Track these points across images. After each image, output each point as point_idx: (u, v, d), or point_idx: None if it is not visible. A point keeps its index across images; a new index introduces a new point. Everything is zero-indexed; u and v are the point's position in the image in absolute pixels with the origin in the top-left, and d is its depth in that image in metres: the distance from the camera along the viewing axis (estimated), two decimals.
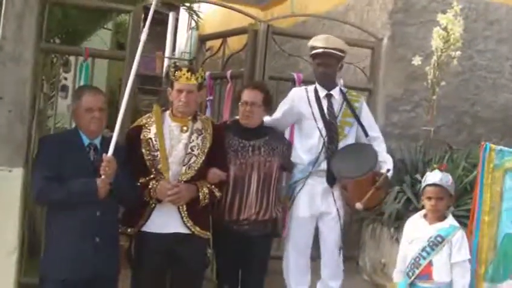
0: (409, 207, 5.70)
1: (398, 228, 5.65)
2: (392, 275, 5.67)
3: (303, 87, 4.97)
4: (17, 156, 4.39)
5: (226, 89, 6.18)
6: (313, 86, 4.80)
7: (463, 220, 4.51)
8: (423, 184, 4.14)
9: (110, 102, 4.11)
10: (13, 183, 4.35)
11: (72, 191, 3.68)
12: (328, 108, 4.66)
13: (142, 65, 15.19)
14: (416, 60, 6.22)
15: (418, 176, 5.86)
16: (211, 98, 6.27)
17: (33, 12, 4.43)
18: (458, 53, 6.12)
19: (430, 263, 3.98)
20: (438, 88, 6.20)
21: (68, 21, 5.91)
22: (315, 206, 4.65)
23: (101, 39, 6.83)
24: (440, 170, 4.07)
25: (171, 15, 14.55)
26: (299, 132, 4.72)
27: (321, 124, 4.61)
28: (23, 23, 4.38)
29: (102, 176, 3.71)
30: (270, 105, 4.55)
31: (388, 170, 4.52)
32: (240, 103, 4.44)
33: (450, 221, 4.06)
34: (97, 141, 3.90)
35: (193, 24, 10.81)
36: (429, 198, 4.04)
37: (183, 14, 12.69)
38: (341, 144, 4.63)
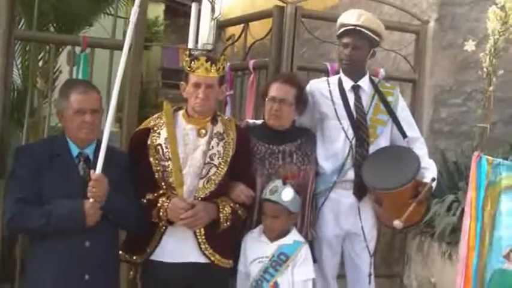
0: None
1: (452, 244, 4.96)
2: None
3: (324, 78, 4.26)
4: None
5: (248, 82, 5.48)
6: (337, 76, 4.07)
7: None
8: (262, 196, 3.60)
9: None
10: None
11: (54, 216, 2.98)
12: (355, 104, 3.92)
13: (165, 58, 15.10)
14: (470, 46, 5.40)
15: None
16: (231, 92, 5.59)
17: None
18: None
19: (276, 285, 3.48)
20: (495, 78, 5.40)
21: (63, 4, 5.18)
22: (340, 225, 3.94)
23: (104, 29, 6.11)
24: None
25: (194, 6, 14.21)
26: (320, 135, 3.96)
27: (346, 123, 3.87)
28: None
29: (91, 199, 2.98)
30: (303, 102, 3.83)
31: (433, 179, 3.79)
32: (266, 99, 3.73)
33: (293, 236, 3.58)
34: (89, 151, 3.17)
35: (216, 14, 10.35)
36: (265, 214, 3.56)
37: (206, 4, 12.28)
38: (372, 148, 3.89)
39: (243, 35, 5.73)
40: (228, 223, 3.40)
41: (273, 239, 3.52)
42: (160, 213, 3.30)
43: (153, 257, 3.38)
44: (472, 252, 3.64)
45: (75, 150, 3.15)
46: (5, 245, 4.39)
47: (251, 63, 5.42)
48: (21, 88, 5.57)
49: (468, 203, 3.66)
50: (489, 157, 3.63)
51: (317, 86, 4.03)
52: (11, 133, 4.77)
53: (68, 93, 3.13)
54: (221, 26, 6.60)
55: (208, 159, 3.38)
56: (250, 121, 4.09)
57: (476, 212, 3.60)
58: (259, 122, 3.96)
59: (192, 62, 3.36)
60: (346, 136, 3.86)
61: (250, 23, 5.72)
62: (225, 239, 3.45)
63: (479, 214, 3.59)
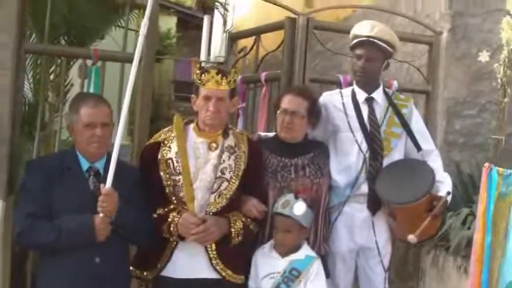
0: None
1: (467, 258, 4.83)
2: None
3: (337, 90, 4.18)
4: None
5: (261, 95, 5.40)
6: (350, 88, 4.00)
7: None
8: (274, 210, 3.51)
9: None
10: None
11: (64, 231, 2.93)
12: (369, 116, 3.85)
13: (177, 70, 15.11)
14: (484, 56, 5.36)
15: None
16: (243, 105, 5.50)
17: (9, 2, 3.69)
18: None
19: None
20: (510, 89, 5.32)
21: (74, 16, 5.14)
22: (354, 239, 3.86)
23: (115, 41, 6.07)
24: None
25: (206, 19, 14.28)
26: (333, 148, 3.88)
27: (360, 136, 3.80)
28: None
29: (101, 214, 2.93)
30: (315, 115, 3.75)
31: (448, 193, 3.72)
32: (278, 111, 3.66)
33: (305, 251, 3.51)
34: (99, 165, 3.13)
35: (228, 26, 10.31)
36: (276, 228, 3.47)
37: (218, 16, 12.28)
38: (386, 161, 3.81)
39: (254, 47, 5.66)
40: (240, 238, 3.33)
41: (284, 254, 3.44)
42: (171, 229, 3.23)
43: (164, 273, 3.31)
44: (481, 265, 3.57)
45: (85, 164, 3.11)
46: (16, 259, 4.36)
47: (263, 75, 5.35)
48: (32, 101, 5.53)
49: (478, 216, 3.57)
50: (500, 168, 3.51)
51: (330, 98, 3.96)
52: (22, 146, 4.75)
53: (78, 107, 3.10)
54: (233, 38, 6.48)
55: (219, 173, 3.32)
56: (262, 134, 4.02)
57: (485, 226, 3.51)
58: (271, 134, 3.89)
59: (203, 75, 3.30)
60: (360, 149, 3.80)
61: (262, 35, 5.66)
62: (237, 254, 3.38)
63: (488, 227, 3.49)
